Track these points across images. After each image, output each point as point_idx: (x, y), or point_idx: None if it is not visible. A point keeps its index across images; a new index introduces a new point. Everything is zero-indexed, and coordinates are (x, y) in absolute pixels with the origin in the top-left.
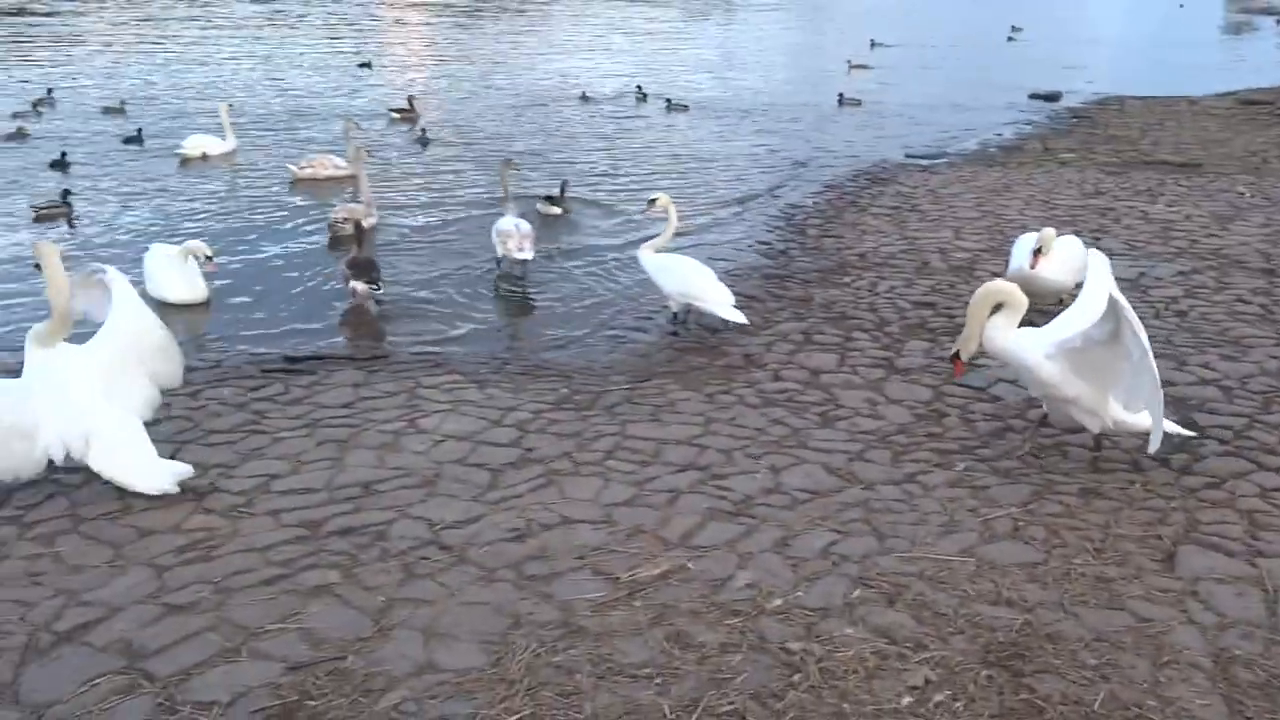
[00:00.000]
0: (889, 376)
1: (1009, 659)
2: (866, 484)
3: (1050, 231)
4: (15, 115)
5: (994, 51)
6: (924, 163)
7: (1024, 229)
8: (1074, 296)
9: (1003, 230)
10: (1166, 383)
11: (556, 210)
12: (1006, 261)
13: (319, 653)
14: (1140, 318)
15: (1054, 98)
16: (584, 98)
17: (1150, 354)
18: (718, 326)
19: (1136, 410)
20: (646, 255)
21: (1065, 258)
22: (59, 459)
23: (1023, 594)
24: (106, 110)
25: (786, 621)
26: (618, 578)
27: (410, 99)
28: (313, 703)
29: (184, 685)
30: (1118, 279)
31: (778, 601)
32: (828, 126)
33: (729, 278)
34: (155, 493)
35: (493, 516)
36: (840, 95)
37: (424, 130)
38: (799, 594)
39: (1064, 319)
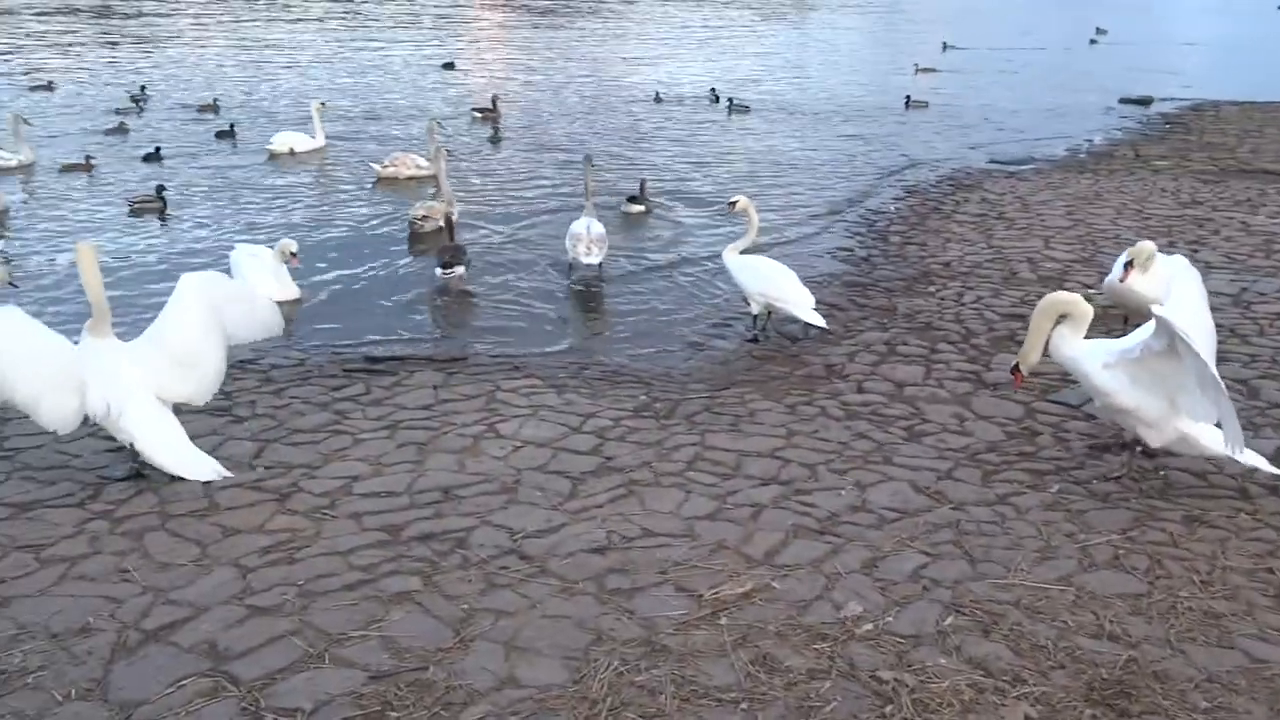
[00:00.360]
0: (977, 391)
1: (1114, 698)
2: (957, 504)
3: (1146, 245)
4: (117, 111)
5: (1077, 55)
6: (1010, 168)
7: (1116, 239)
8: None
9: (1094, 240)
10: (1273, 405)
11: (639, 208)
12: (1103, 273)
13: (401, 662)
14: (1243, 336)
15: (1146, 102)
16: (658, 99)
17: (1210, 367)
18: (798, 335)
19: (1207, 420)
20: (730, 256)
21: (1164, 275)
22: (95, 417)
23: (1126, 627)
24: (201, 108)
25: (877, 648)
26: (700, 595)
27: (494, 99)
28: (395, 714)
29: (268, 690)
30: (1217, 293)
31: (867, 626)
32: (904, 130)
33: (810, 284)
34: (192, 478)
35: (573, 527)
36: (907, 98)
37: (496, 129)
38: (889, 619)
39: (1137, 332)
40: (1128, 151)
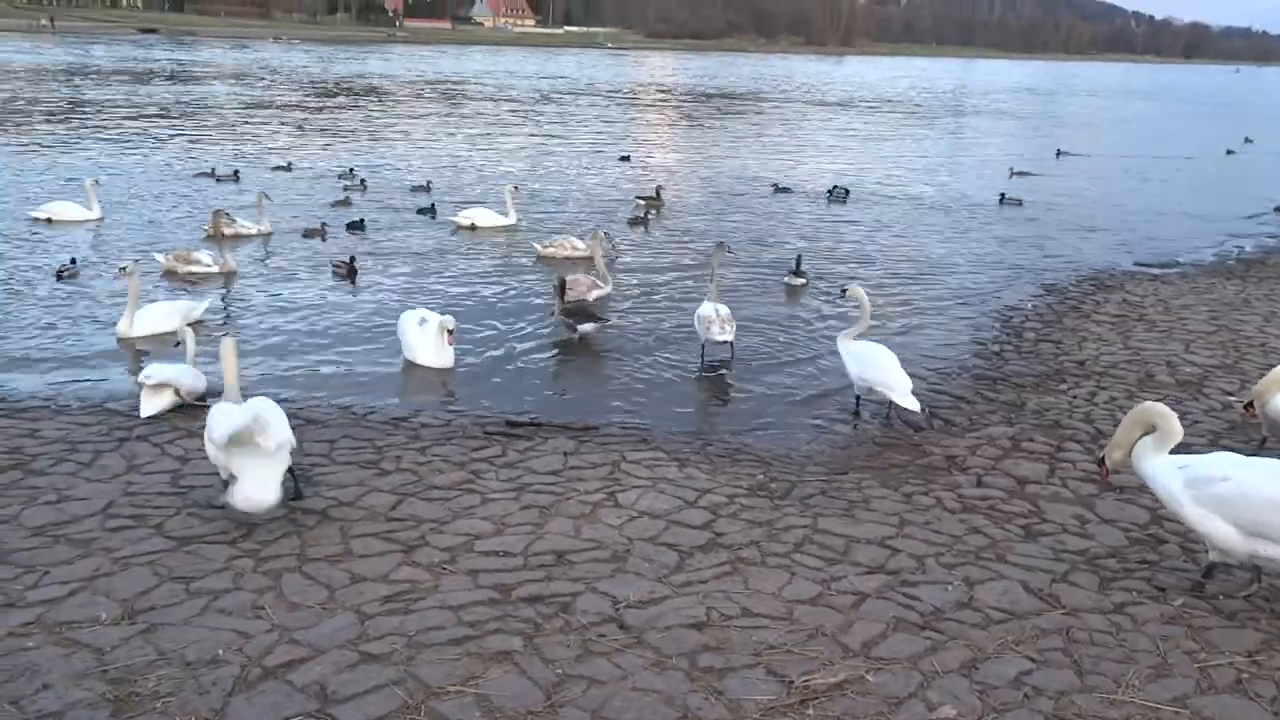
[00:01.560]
0: (1102, 493)
1: None
2: (1069, 610)
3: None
4: (346, 188)
5: (1221, 164)
6: (1155, 271)
7: (1263, 346)
8: None
9: (1237, 346)
10: None
11: (801, 281)
12: (1245, 381)
13: None
14: None
15: None
16: (777, 189)
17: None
18: (922, 424)
19: None
20: (845, 342)
21: None
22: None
23: None
24: (414, 188)
25: None
26: (792, 681)
27: (658, 189)
28: None
29: None
30: None
31: None
32: (1045, 230)
33: (938, 375)
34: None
35: (675, 600)
36: (1002, 195)
37: (647, 216)
38: None
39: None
40: None
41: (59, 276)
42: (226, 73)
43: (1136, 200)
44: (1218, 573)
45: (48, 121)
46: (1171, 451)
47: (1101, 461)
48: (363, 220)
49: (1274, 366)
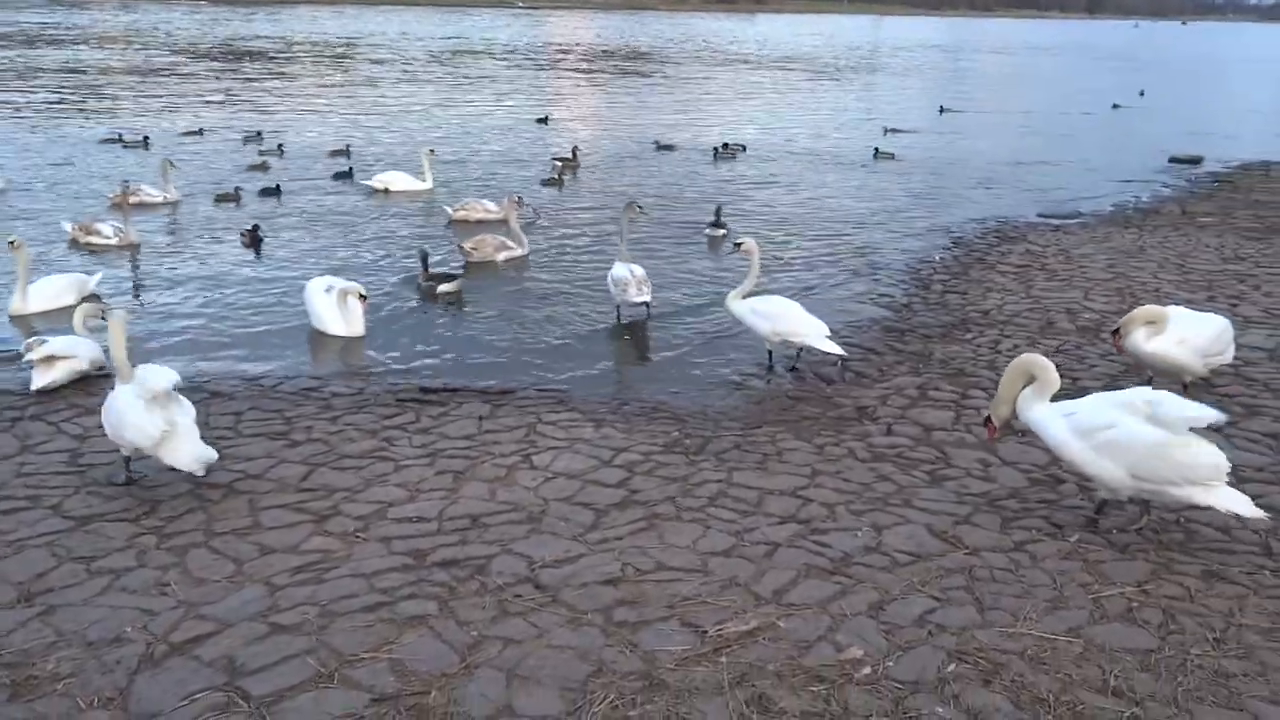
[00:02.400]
0: (1005, 438)
1: None
2: (972, 550)
3: (1147, 310)
4: (261, 152)
5: (1110, 119)
6: (1056, 222)
7: (1157, 292)
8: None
9: (1134, 292)
10: None
11: (722, 232)
12: None
13: (405, 685)
14: (1276, 390)
15: (1196, 161)
16: (720, 151)
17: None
18: (833, 377)
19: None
20: (734, 303)
21: (1187, 335)
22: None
23: (1132, 683)
24: (333, 153)
25: (875, 693)
26: (705, 631)
27: (574, 149)
28: None
29: (275, 707)
30: (1254, 348)
31: (866, 670)
32: (951, 182)
33: (849, 328)
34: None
35: (590, 558)
36: (875, 149)
37: (561, 177)
38: (890, 664)
39: (1096, 397)
40: (1174, 208)
41: None
42: (116, 36)
43: (1040, 153)
44: (1109, 509)
45: None
46: (1054, 399)
47: (988, 421)
48: (278, 186)
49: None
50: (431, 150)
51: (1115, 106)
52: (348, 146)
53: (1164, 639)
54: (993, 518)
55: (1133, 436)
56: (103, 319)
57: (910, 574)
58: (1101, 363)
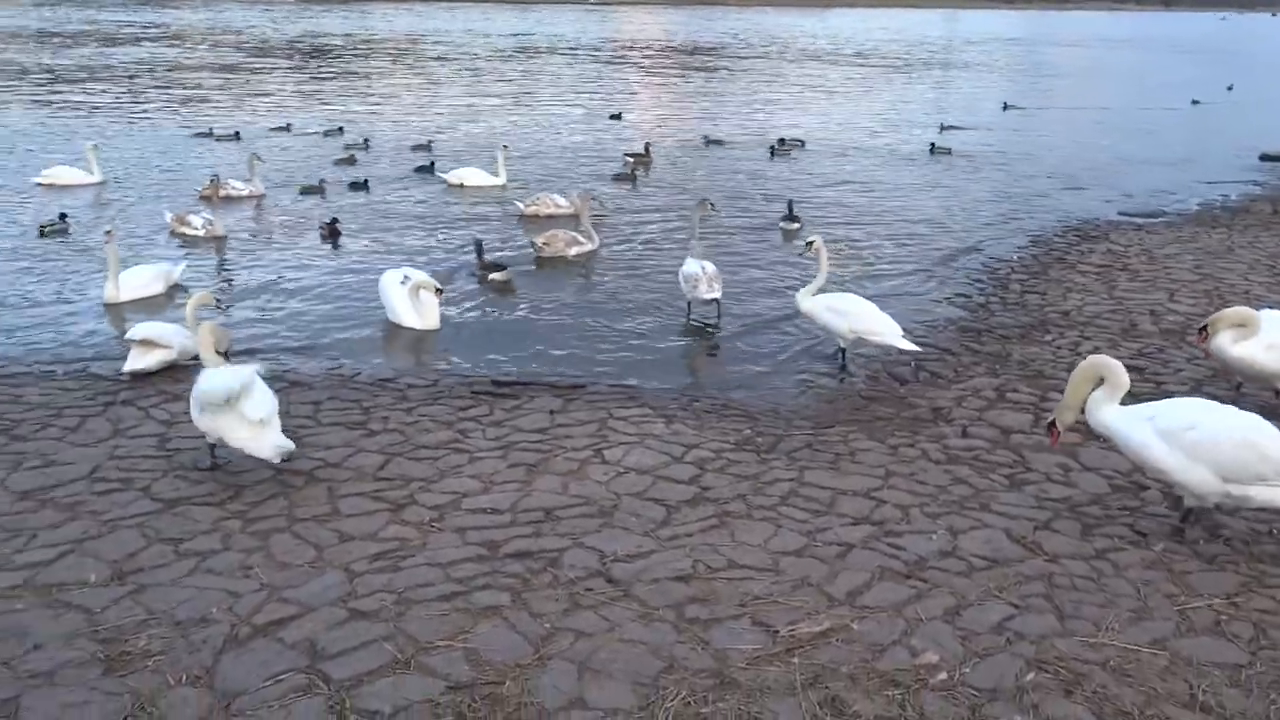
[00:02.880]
0: (1086, 442)
1: None
2: (1051, 556)
3: (1236, 311)
4: (347, 147)
5: (1196, 115)
6: (1139, 221)
7: (1246, 294)
8: None
9: (1221, 294)
10: None
11: (796, 225)
12: None
13: (479, 674)
14: None
15: None
16: (780, 143)
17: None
18: (907, 377)
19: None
20: (805, 300)
21: (1277, 340)
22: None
23: (1221, 699)
24: (415, 147)
25: (950, 699)
26: (777, 631)
27: (647, 145)
28: None
29: (354, 691)
30: None
31: (942, 676)
32: (1033, 179)
33: (924, 328)
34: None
35: (661, 553)
36: (932, 145)
37: (634, 174)
38: (967, 670)
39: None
40: (1265, 207)
41: (42, 233)
42: (191, 33)
43: (1120, 150)
44: (1196, 517)
45: (39, 86)
46: (1122, 402)
47: (1051, 426)
48: (366, 180)
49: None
50: (506, 146)
51: (1195, 103)
52: (429, 141)
53: (1255, 654)
54: (1073, 524)
55: (1218, 433)
56: (217, 306)
57: (987, 579)
58: (1188, 367)
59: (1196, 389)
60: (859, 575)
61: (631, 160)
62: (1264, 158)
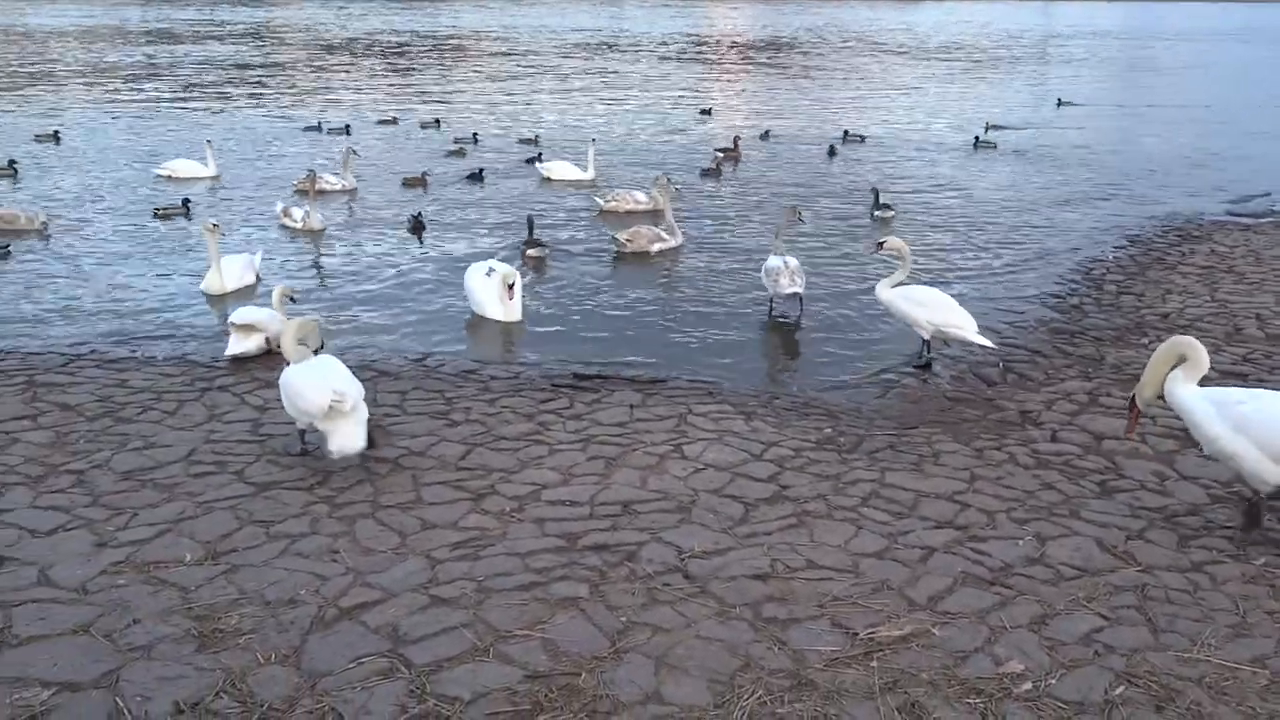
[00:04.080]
0: (1183, 449)
1: None
2: (1145, 567)
3: None
4: (457, 140)
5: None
6: (1246, 220)
7: None
8: None
9: None
10: None
11: (890, 213)
12: None
13: (556, 665)
14: None
15: None
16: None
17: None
18: (995, 379)
19: None
20: (884, 291)
21: None
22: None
23: None
24: (522, 141)
25: (1035, 710)
26: (856, 633)
27: (735, 140)
28: (543, 716)
29: (435, 676)
30: None
31: (1027, 686)
32: (1131, 174)
33: (1013, 329)
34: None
35: (739, 551)
36: (976, 138)
37: (719, 168)
38: (1053, 681)
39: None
40: None
41: (156, 215)
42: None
43: (1227, 148)
44: (1263, 509)
45: (150, 81)
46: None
47: (1131, 404)
48: (481, 170)
49: None
50: (594, 140)
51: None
52: (536, 136)
53: None
54: (1169, 535)
55: (1268, 407)
56: (293, 299)
57: (1076, 589)
58: None
59: None
60: (941, 580)
61: (720, 155)
62: None
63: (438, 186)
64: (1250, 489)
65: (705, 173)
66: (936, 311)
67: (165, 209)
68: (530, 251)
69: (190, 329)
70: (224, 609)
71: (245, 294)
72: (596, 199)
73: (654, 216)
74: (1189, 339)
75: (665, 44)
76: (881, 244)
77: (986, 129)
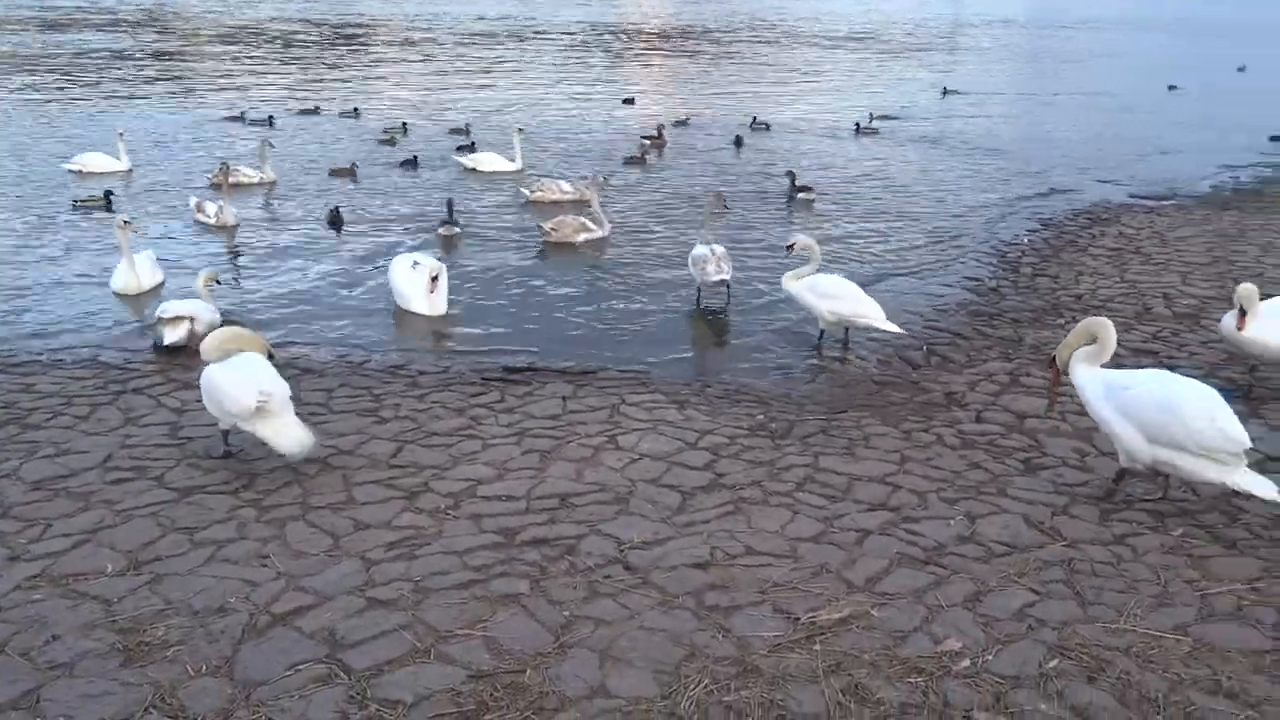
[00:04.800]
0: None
1: None
2: (1071, 542)
3: (1247, 288)
4: (387, 130)
5: (1204, 98)
6: (1150, 204)
7: (1260, 277)
8: None
9: (1234, 277)
10: None
11: (812, 195)
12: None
13: (500, 663)
14: None
15: None
16: (753, 125)
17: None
18: (919, 362)
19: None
20: (790, 283)
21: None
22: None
23: (1246, 686)
24: (454, 131)
25: (974, 686)
26: (797, 618)
27: (660, 128)
28: (489, 716)
29: (375, 681)
30: None
31: (965, 663)
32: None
33: (935, 312)
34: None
35: (679, 540)
36: (857, 124)
37: (643, 155)
38: (989, 657)
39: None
40: (1277, 189)
41: (75, 207)
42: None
43: (1133, 133)
44: (1129, 478)
45: (50, 73)
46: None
47: (1052, 361)
48: (415, 158)
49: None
50: (521, 130)
51: (1172, 88)
52: (468, 124)
53: (1277, 640)
54: (1091, 509)
55: (1148, 394)
56: (218, 282)
57: (1007, 565)
58: (1202, 350)
59: (1211, 373)
60: (878, 562)
61: (646, 143)
62: (1274, 139)
63: (367, 177)
64: (1124, 462)
65: (630, 160)
66: (844, 302)
67: (85, 201)
68: (441, 230)
69: (101, 329)
70: (149, 620)
71: (157, 293)
72: (523, 189)
73: (581, 206)
74: (1103, 321)
75: (573, 33)
76: (791, 246)
77: (870, 118)
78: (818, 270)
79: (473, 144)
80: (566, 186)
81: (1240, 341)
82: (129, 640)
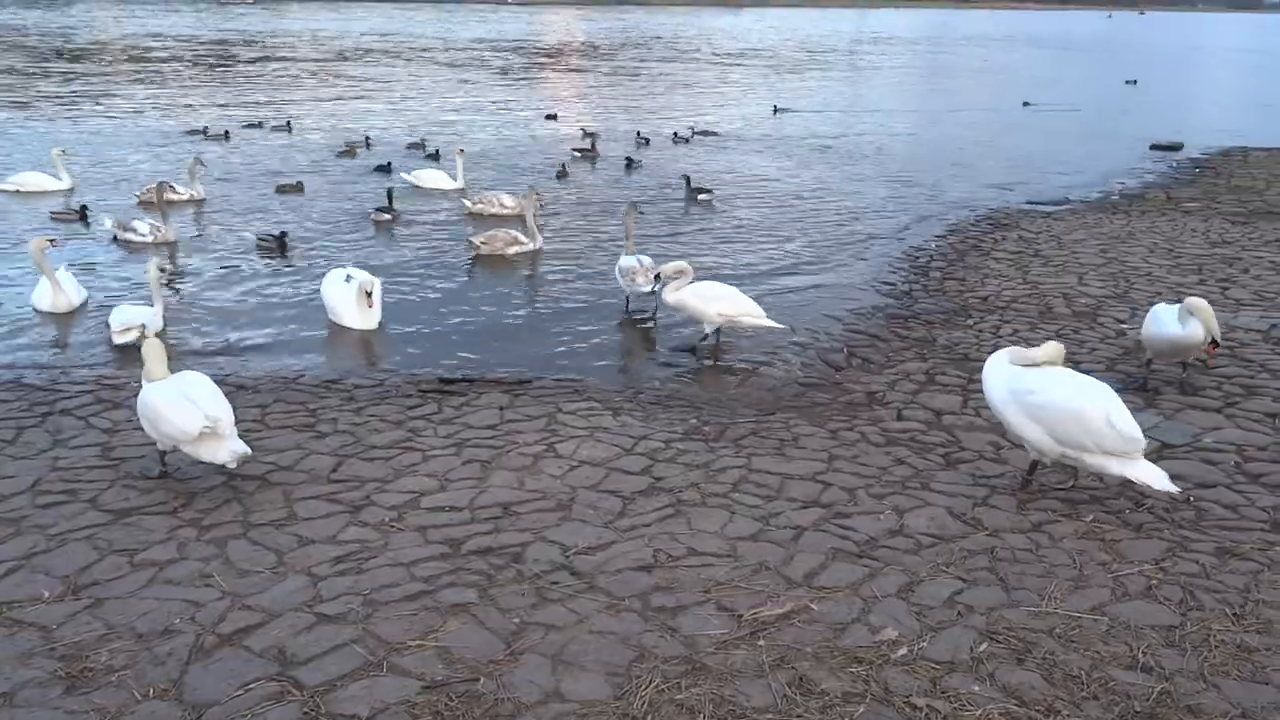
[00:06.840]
0: None
1: None
2: (992, 531)
3: (1195, 301)
4: (349, 142)
5: (1094, 111)
6: (1047, 209)
7: (1149, 276)
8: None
9: (1127, 276)
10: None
11: (710, 195)
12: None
13: (453, 672)
14: (1273, 370)
15: (1176, 148)
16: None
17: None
18: (841, 364)
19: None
20: (672, 295)
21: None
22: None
23: (1159, 659)
24: (410, 145)
25: (912, 673)
26: (741, 615)
27: (593, 140)
28: None
29: (328, 696)
30: (1248, 329)
31: (903, 651)
32: (945, 173)
33: (853, 315)
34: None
35: (622, 544)
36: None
37: (565, 169)
38: (924, 644)
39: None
40: (1159, 194)
41: (53, 218)
42: (119, 39)
43: (1022, 144)
44: (1040, 469)
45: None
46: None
47: None
48: (390, 163)
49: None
50: (462, 150)
51: (1026, 104)
52: (423, 139)
53: (1185, 615)
54: (1009, 499)
55: (1052, 401)
56: (164, 270)
57: (935, 556)
58: (1102, 346)
59: (1110, 367)
60: (814, 557)
61: (578, 154)
62: (1154, 147)
63: (317, 192)
64: (1034, 456)
65: (559, 175)
66: (730, 302)
67: (62, 214)
68: (373, 215)
69: (21, 349)
70: (92, 646)
71: (83, 311)
72: (465, 201)
73: (520, 220)
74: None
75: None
76: (658, 275)
77: (692, 133)
78: (691, 281)
79: (437, 151)
80: (508, 200)
81: (1179, 342)
82: (71, 667)
